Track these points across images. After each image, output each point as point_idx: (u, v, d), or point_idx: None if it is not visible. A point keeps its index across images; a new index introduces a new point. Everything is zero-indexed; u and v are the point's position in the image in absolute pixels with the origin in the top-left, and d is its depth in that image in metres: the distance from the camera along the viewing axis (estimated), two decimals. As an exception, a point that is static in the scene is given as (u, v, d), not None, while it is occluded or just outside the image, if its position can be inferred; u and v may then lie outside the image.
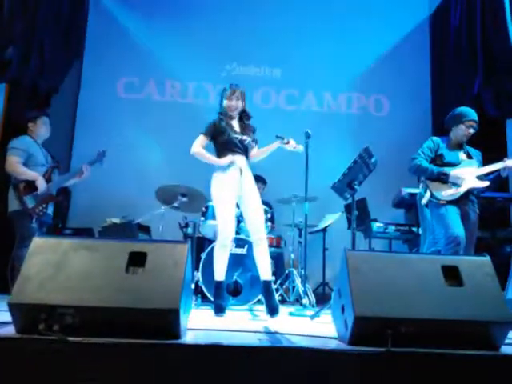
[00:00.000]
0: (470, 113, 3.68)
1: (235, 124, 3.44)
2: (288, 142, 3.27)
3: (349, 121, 6.56)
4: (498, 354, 1.78)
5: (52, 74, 5.58)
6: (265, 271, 3.23)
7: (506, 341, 1.87)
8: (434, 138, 3.76)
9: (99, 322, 1.68)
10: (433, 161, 3.68)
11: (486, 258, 2.03)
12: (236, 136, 3.35)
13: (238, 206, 3.48)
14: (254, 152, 3.51)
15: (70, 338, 1.60)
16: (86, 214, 5.35)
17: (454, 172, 3.55)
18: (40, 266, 1.79)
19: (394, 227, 5.23)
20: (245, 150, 3.40)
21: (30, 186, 3.73)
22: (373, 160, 3.48)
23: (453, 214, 3.46)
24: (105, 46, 6.40)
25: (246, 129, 3.45)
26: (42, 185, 3.75)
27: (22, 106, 5.21)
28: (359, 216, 4.11)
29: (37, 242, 1.88)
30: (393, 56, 6.67)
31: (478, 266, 1.99)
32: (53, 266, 1.79)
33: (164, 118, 6.23)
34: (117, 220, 4.89)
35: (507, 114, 5.37)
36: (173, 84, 6.53)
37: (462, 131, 3.65)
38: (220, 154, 3.38)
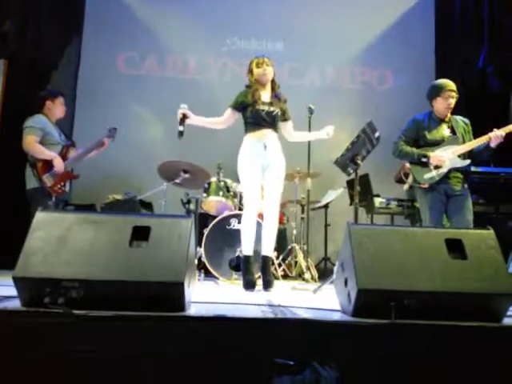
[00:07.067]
0: (446, 83, 3.60)
1: (265, 95, 3.33)
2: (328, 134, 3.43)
3: (352, 95, 6.47)
4: (501, 326, 1.79)
5: (50, 50, 5.50)
6: (267, 246, 3.26)
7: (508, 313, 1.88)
8: (417, 117, 3.67)
9: (104, 295, 1.68)
10: (416, 141, 3.62)
11: (490, 231, 2.02)
12: (263, 108, 3.25)
13: None
14: (289, 128, 3.50)
15: (75, 311, 1.61)
16: (88, 191, 5.34)
17: (434, 154, 3.50)
18: (44, 241, 1.79)
19: (396, 202, 5.22)
20: (272, 123, 3.29)
21: (48, 164, 3.77)
22: (376, 135, 3.44)
23: (432, 208, 3.47)
24: (104, 21, 6.28)
25: (276, 99, 3.34)
26: (59, 165, 3.78)
27: (21, 82, 5.16)
28: (361, 191, 4.08)
29: (39, 216, 1.87)
30: (397, 29, 6.53)
31: (481, 238, 1.98)
32: (57, 241, 1.79)
33: (165, 93, 6.14)
34: (119, 196, 4.88)
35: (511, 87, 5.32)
36: (173, 59, 6.43)
37: (441, 104, 3.57)
38: (247, 127, 3.32)
